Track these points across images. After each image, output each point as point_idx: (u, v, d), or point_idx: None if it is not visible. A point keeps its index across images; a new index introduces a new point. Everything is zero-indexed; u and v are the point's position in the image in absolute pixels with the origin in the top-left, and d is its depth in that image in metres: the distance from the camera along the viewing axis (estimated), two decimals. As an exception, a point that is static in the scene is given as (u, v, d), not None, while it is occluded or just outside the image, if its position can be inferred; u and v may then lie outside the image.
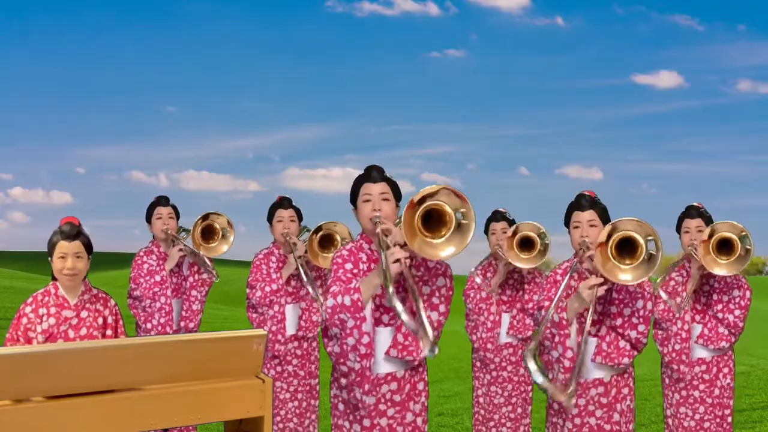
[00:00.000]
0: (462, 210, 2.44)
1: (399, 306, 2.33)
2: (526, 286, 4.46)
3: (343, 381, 2.58)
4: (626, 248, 2.76)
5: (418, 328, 2.35)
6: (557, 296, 2.73)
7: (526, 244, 4.24)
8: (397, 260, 2.44)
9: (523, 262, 4.22)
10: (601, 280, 2.75)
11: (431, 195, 2.43)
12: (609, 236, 2.75)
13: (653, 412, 6.19)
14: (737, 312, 3.66)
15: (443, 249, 2.46)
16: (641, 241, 2.72)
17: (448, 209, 2.45)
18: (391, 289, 2.34)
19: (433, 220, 2.47)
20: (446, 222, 2.45)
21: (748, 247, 3.47)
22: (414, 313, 2.45)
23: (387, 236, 2.53)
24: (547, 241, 4.22)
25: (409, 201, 2.42)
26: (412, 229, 2.42)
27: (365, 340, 2.53)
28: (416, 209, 2.42)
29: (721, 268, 3.50)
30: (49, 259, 2.94)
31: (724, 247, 3.52)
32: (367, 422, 2.61)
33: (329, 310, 2.53)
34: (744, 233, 3.48)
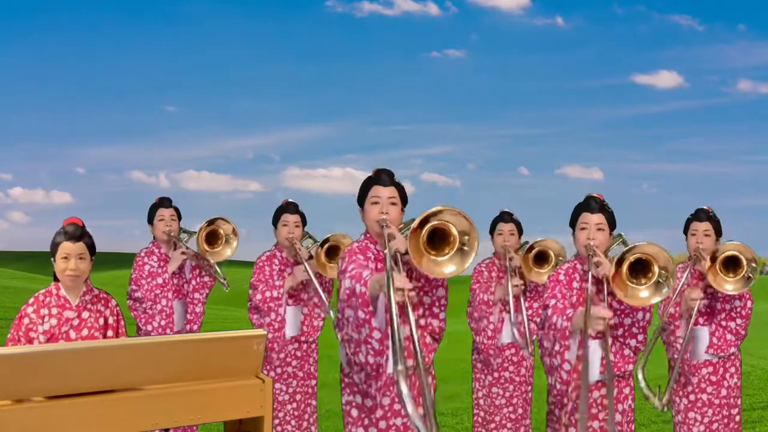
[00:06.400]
0: (467, 236, 2.49)
1: (404, 388, 2.23)
2: (527, 294, 4.46)
3: (362, 375, 2.59)
4: (639, 269, 2.79)
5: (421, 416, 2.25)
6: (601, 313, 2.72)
7: (541, 257, 4.31)
8: (400, 289, 2.39)
9: (540, 276, 4.27)
10: (611, 314, 2.77)
11: (434, 215, 2.48)
12: (620, 263, 2.77)
13: (653, 412, 6.19)
14: (739, 320, 3.68)
15: (446, 266, 2.51)
16: (654, 265, 2.77)
17: (453, 230, 2.50)
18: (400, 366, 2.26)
19: (437, 238, 2.52)
20: (450, 242, 2.51)
21: (751, 275, 3.51)
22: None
23: (391, 241, 2.55)
24: (561, 261, 4.26)
25: (411, 228, 2.46)
26: (418, 248, 2.47)
27: (376, 335, 2.53)
28: (420, 231, 2.47)
29: (728, 284, 3.54)
30: (52, 259, 2.93)
31: (731, 264, 3.55)
32: (383, 424, 2.62)
33: (347, 291, 2.53)
34: (754, 264, 3.52)
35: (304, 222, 4.31)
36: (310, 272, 4.09)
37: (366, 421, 2.63)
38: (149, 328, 4.13)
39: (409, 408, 2.18)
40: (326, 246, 4.24)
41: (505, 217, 4.46)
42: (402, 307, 2.44)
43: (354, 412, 2.67)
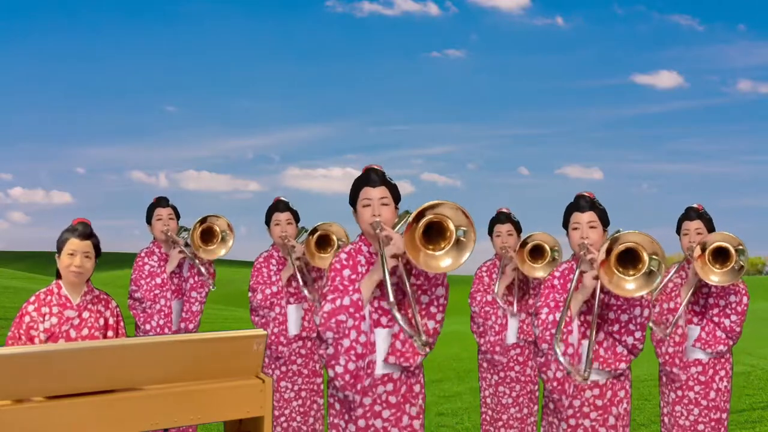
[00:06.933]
0: (464, 228, 2.47)
1: (394, 307, 2.44)
2: (531, 291, 4.45)
3: (336, 383, 2.59)
4: (629, 259, 2.75)
5: (411, 328, 2.45)
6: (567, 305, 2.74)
7: (536, 252, 4.28)
8: (394, 255, 2.51)
9: (535, 271, 4.25)
10: (596, 272, 2.76)
11: (432, 207, 2.46)
12: (609, 251, 2.73)
13: (653, 412, 6.19)
14: (734, 317, 3.65)
15: (443, 260, 2.49)
16: (644, 254, 2.72)
17: (450, 225, 2.48)
18: (390, 293, 2.42)
19: (434, 232, 2.50)
20: (447, 236, 2.49)
21: (743, 263, 3.49)
22: (407, 313, 2.56)
23: (388, 244, 2.54)
24: (556, 256, 4.23)
25: (409, 223, 2.44)
26: (414, 244, 2.45)
27: (362, 339, 2.54)
28: (416, 224, 2.45)
29: (716, 276, 3.51)
30: (57, 255, 2.95)
31: (720, 255, 3.53)
32: (362, 423, 2.61)
33: (325, 315, 2.54)
34: (741, 247, 3.49)
35: (297, 218, 4.30)
36: (296, 270, 4.11)
37: (346, 416, 2.64)
38: (147, 327, 4.14)
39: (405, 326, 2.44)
40: (316, 235, 4.21)
41: (501, 217, 4.42)
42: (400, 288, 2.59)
43: (337, 406, 2.68)
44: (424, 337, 2.43)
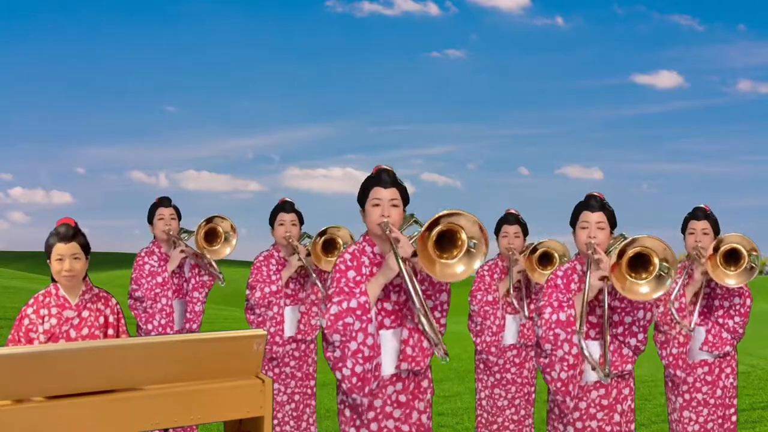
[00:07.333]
0: (475, 240, 2.50)
1: (423, 315, 2.51)
2: (533, 296, 4.44)
3: (343, 386, 2.59)
4: (639, 263, 2.78)
5: (435, 334, 2.52)
6: (581, 307, 2.78)
7: (545, 259, 4.28)
8: (404, 259, 2.53)
9: (543, 277, 4.23)
10: (608, 272, 2.78)
11: (447, 216, 2.49)
12: (621, 253, 2.75)
13: (653, 413, 6.19)
14: (737, 318, 3.67)
15: (457, 267, 2.52)
16: (654, 258, 2.75)
17: (463, 235, 2.50)
18: (415, 299, 2.48)
19: (445, 240, 2.52)
20: (458, 245, 2.51)
21: (754, 265, 3.50)
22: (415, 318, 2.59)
23: (396, 244, 2.55)
24: (566, 259, 4.23)
25: (421, 233, 2.46)
26: (429, 256, 2.47)
27: (369, 341, 2.54)
28: (429, 234, 2.47)
29: (730, 278, 3.52)
30: (48, 261, 2.94)
31: (732, 257, 3.54)
32: (374, 426, 2.61)
33: (332, 318, 2.53)
34: (755, 252, 3.51)
35: (301, 221, 4.30)
36: (305, 261, 4.12)
37: (357, 422, 2.63)
38: (149, 327, 4.14)
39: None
40: (323, 238, 4.23)
41: (509, 218, 4.40)
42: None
43: (347, 412, 2.67)
44: (445, 346, 2.51)
